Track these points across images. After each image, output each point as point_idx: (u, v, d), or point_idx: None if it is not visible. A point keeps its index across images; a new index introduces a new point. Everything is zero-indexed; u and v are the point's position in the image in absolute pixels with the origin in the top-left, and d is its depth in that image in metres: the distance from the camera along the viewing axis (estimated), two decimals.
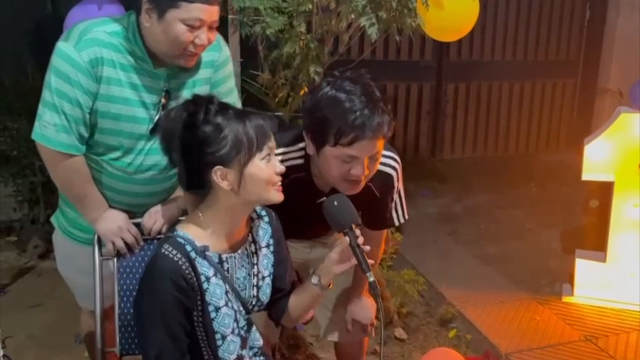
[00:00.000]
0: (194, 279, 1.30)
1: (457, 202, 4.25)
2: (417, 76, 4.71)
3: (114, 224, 1.63)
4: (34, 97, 3.52)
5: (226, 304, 1.35)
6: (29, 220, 3.51)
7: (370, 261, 1.36)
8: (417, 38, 1.98)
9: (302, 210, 1.59)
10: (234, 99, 1.75)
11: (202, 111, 1.28)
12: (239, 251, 1.39)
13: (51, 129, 1.54)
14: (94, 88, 1.53)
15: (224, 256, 1.35)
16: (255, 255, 1.43)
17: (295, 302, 1.51)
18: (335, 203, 1.38)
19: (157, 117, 1.59)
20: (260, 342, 1.48)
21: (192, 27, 1.48)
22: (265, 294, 1.45)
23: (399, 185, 1.66)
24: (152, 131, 1.60)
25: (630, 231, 2.77)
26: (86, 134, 1.58)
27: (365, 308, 1.87)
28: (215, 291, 1.33)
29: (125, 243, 1.63)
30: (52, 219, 1.83)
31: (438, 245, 3.61)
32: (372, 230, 1.74)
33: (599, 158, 2.73)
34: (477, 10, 2.04)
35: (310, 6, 1.94)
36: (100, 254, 1.67)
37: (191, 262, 1.29)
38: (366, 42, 3.32)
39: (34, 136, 1.58)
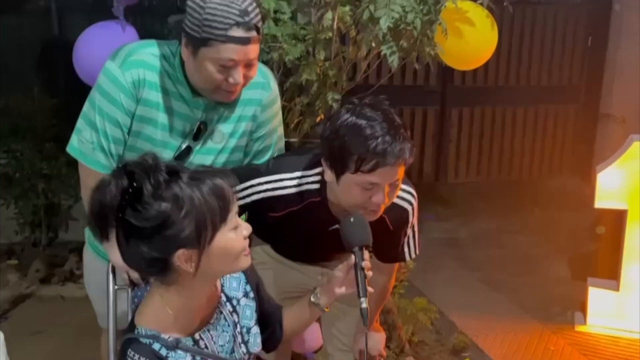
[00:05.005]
0: None
1: (462, 227, 4.24)
2: (422, 101, 4.73)
3: None
4: (39, 119, 3.51)
5: None
6: (30, 243, 3.47)
7: (369, 289, 1.31)
8: (422, 63, 1.99)
9: (314, 235, 1.59)
10: (276, 136, 1.73)
11: (148, 183, 1.05)
12: (213, 319, 1.24)
13: (89, 147, 1.53)
14: (133, 108, 1.52)
15: (197, 335, 1.20)
16: (234, 313, 1.30)
17: (290, 321, 1.43)
18: (352, 220, 1.37)
19: (184, 146, 1.58)
20: None
21: (224, 67, 1.43)
22: (255, 344, 1.33)
23: (413, 220, 1.64)
24: (177, 158, 1.58)
25: None
26: (121, 153, 1.57)
27: (374, 339, 1.85)
28: None
29: None
30: (86, 230, 1.79)
31: (445, 271, 3.57)
32: (383, 263, 1.72)
33: (611, 186, 2.73)
34: (495, 39, 2.05)
35: (331, 34, 1.94)
36: (115, 283, 1.63)
37: None
38: (375, 68, 3.32)
39: (69, 149, 1.57)
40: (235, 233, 1.14)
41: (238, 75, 1.46)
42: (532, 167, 5.15)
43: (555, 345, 2.78)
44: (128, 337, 1.16)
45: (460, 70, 4.50)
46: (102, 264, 1.71)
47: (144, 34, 2.20)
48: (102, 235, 1.10)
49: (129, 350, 1.13)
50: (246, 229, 1.17)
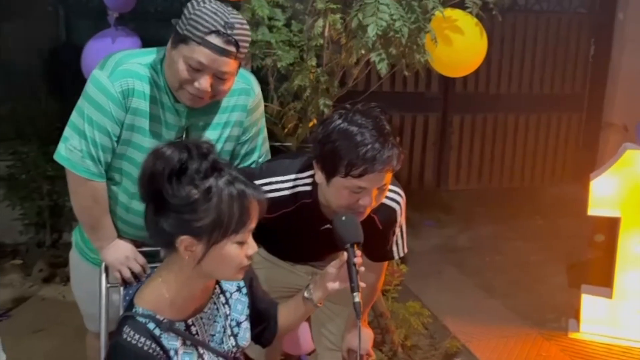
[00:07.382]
0: (162, 358, 1.21)
1: (461, 233, 4.25)
2: (423, 107, 4.75)
3: (121, 253, 1.64)
4: (45, 123, 3.58)
5: None
6: (34, 243, 3.53)
7: (361, 284, 1.36)
8: (412, 71, 2.02)
9: (306, 235, 1.64)
10: (262, 137, 1.78)
11: (193, 166, 1.14)
12: (207, 308, 1.31)
13: (77, 154, 1.56)
14: (123, 117, 1.55)
15: (190, 321, 1.27)
16: (226, 305, 1.37)
17: (285, 316, 1.48)
18: (343, 218, 1.43)
19: None
20: None
21: (192, 68, 1.46)
22: (244, 338, 1.39)
23: (401, 219, 1.69)
24: None
25: (637, 267, 2.76)
26: (109, 160, 1.60)
27: (362, 337, 1.87)
28: None
29: (132, 272, 1.64)
30: (73, 233, 1.84)
31: (443, 277, 3.59)
32: (372, 262, 1.76)
33: (605, 193, 2.74)
34: (485, 47, 2.07)
35: (321, 41, 1.99)
36: (107, 282, 1.68)
37: (157, 340, 1.20)
38: (373, 74, 3.37)
39: (56, 157, 1.60)
40: (240, 248, 1.20)
41: (204, 81, 1.47)
42: (534, 174, 5.15)
43: (548, 351, 2.79)
44: (126, 314, 1.22)
45: (461, 76, 4.54)
46: (88, 266, 1.76)
47: (148, 40, 2.24)
48: (144, 200, 1.19)
49: (125, 326, 1.19)
50: (252, 248, 1.22)
